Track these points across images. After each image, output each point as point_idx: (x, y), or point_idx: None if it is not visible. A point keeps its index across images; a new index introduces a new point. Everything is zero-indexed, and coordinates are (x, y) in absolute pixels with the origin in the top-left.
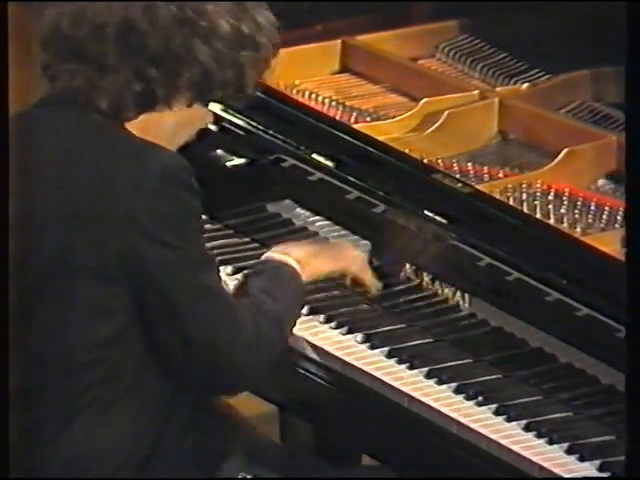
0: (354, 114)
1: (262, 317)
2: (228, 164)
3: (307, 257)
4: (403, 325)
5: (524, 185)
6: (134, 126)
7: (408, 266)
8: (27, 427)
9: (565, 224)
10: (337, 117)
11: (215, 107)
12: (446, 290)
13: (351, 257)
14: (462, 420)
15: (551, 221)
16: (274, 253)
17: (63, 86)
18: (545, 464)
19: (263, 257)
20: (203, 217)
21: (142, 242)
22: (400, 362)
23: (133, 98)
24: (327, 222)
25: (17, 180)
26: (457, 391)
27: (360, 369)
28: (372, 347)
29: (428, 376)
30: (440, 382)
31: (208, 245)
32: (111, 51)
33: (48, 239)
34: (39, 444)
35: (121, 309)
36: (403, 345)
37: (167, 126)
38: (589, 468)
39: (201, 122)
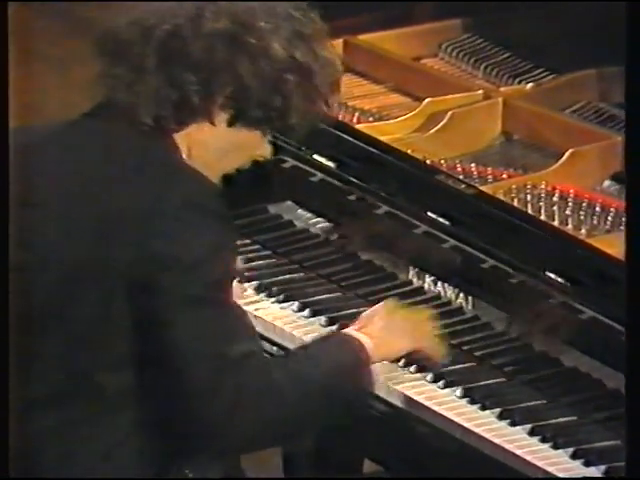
0: (356, 114)
1: (285, 377)
2: None
3: (382, 334)
4: None
5: (528, 186)
6: (180, 141)
7: (411, 268)
8: (31, 437)
9: (570, 226)
10: (339, 117)
11: None
12: (449, 292)
13: (424, 332)
14: (466, 424)
15: (556, 223)
16: (347, 329)
17: (109, 96)
18: (550, 469)
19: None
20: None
21: (151, 266)
22: (404, 366)
23: (169, 105)
24: (329, 224)
25: (42, 189)
26: (461, 395)
27: None
28: None
29: (431, 380)
30: (444, 386)
31: None
32: (150, 54)
33: (61, 250)
34: (40, 458)
35: (124, 333)
36: None
37: (213, 145)
38: (594, 473)
39: (254, 150)
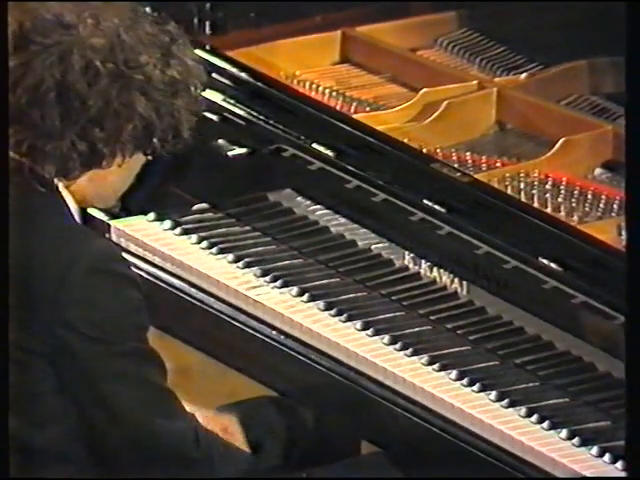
0: (354, 104)
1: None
2: (229, 154)
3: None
4: (403, 313)
5: (522, 174)
6: (78, 184)
7: (407, 254)
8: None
9: (562, 213)
10: (337, 107)
11: (216, 97)
12: (444, 278)
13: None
14: (464, 407)
15: (548, 210)
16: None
17: (15, 158)
18: (543, 449)
19: None
20: (142, 307)
21: (67, 334)
22: (400, 349)
23: (79, 159)
24: (327, 211)
25: None
26: (456, 378)
27: (362, 357)
28: (373, 334)
29: (429, 363)
30: (440, 369)
31: (211, 233)
32: (53, 116)
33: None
34: None
35: (48, 391)
36: (403, 332)
37: (112, 180)
38: (585, 453)
39: (141, 163)
